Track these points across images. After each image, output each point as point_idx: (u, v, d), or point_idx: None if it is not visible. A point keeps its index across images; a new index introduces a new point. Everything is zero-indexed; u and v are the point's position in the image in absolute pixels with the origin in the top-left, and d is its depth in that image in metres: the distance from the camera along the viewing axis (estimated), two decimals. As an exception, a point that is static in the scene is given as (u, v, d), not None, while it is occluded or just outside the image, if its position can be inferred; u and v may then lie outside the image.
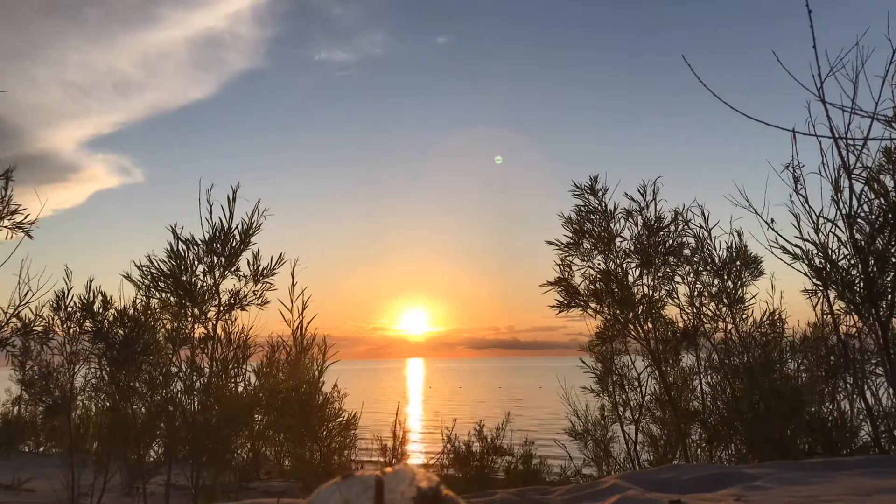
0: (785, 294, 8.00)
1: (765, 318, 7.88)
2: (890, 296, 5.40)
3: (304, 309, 8.68)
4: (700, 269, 8.18)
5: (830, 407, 7.31)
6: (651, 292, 8.17)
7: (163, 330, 8.00)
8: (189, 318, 7.72)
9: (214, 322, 7.62)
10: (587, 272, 8.38)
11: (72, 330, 8.28)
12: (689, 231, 8.17)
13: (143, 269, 7.52)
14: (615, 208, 8.25)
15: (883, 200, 5.47)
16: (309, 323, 8.74)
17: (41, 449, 13.31)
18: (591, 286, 8.29)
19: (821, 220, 5.71)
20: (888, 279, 5.46)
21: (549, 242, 8.49)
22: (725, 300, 7.98)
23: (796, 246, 5.91)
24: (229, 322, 7.82)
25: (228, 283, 7.67)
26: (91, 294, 8.00)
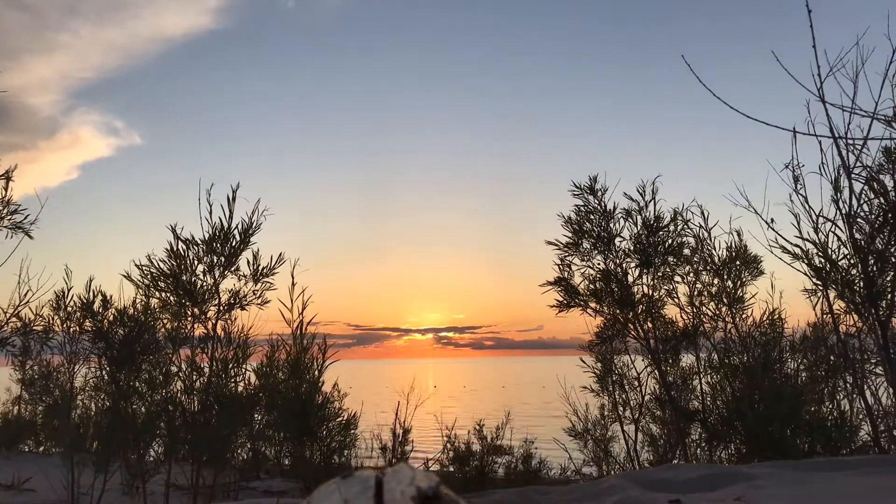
0: (785, 294, 8.02)
1: (764, 318, 7.89)
2: (890, 295, 5.41)
3: (304, 309, 8.68)
4: (700, 268, 8.19)
5: (830, 406, 7.32)
6: (651, 292, 8.18)
7: (163, 329, 8.00)
8: (189, 318, 7.73)
9: (214, 322, 7.63)
10: (587, 272, 8.38)
11: (72, 329, 8.30)
12: (688, 231, 8.19)
13: (143, 268, 7.53)
14: (615, 208, 8.25)
15: (882, 200, 5.48)
16: (309, 322, 8.74)
17: (41, 448, 13.30)
18: (591, 286, 8.30)
19: (820, 220, 5.72)
20: (888, 279, 5.47)
21: (549, 242, 8.49)
22: (725, 300, 7.99)
23: (796, 245, 5.92)
24: (229, 322, 7.83)
25: (228, 283, 7.69)
26: (91, 294, 8.02)
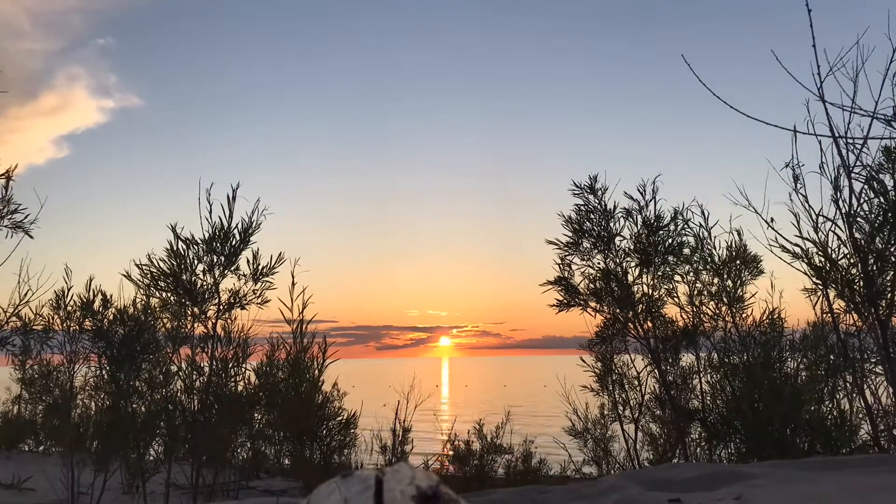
0: (784, 293, 8.01)
1: (764, 317, 7.88)
2: (889, 294, 5.41)
3: (304, 308, 8.68)
4: (700, 267, 8.19)
5: (830, 406, 7.32)
6: (651, 291, 8.18)
7: (162, 329, 8.01)
8: (189, 317, 7.73)
9: (214, 321, 7.63)
10: (587, 271, 8.38)
11: (72, 329, 8.30)
12: (688, 230, 8.18)
13: (143, 267, 7.53)
14: (615, 207, 8.25)
15: (882, 199, 5.48)
16: (309, 322, 8.73)
17: (41, 448, 13.31)
18: (591, 285, 8.30)
19: (820, 219, 5.72)
20: (888, 278, 5.47)
21: (550, 242, 8.49)
22: (725, 299, 7.98)
23: (796, 245, 5.92)
24: (229, 321, 7.83)
25: (228, 283, 7.69)
26: (91, 293, 8.02)
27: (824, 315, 6.81)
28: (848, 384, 7.27)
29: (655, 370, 8.27)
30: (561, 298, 8.37)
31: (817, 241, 5.76)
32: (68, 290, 8.27)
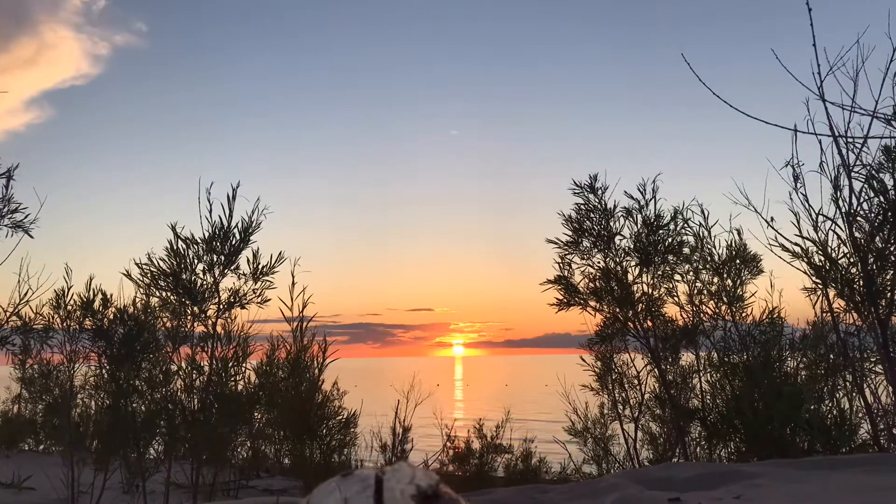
0: (784, 292, 8.01)
1: (764, 317, 7.88)
2: (889, 294, 5.41)
3: (304, 307, 8.68)
4: (699, 267, 8.19)
5: (830, 405, 7.32)
6: (650, 290, 8.18)
7: (162, 328, 8.00)
8: (189, 317, 7.73)
9: (214, 320, 7.63)
10: (587, 270, 8.38)
11: (72, 328, 8.30)
12: (688, 229, 8.18)
13: (143, 266, 7.53)
14: (615, 206, 8.24)
15: (882, 198, 5.48)
16: (309, 321, 8.73)
17: (41, 447, 13.31)
18: (591, 284, 8.30)
19: (820, 219, 5.73)
20: (887, 277, 5.47)
21: (549, 241, 8.50)
22: (725, 298, 7.98)
23: (796, 244, 5.93)
24: (229, 320, 7.82)
25: (228, 282, 7.69)
26: (91, 292, 8.02)
27: (824, 314, 6.82)
28: (848, 383, 7.27)
29: (655, 369, 8.27)
30: (561, 297, 8.37)
31: (817, 240, 5.77)
32: (68, 289, 8.28)
